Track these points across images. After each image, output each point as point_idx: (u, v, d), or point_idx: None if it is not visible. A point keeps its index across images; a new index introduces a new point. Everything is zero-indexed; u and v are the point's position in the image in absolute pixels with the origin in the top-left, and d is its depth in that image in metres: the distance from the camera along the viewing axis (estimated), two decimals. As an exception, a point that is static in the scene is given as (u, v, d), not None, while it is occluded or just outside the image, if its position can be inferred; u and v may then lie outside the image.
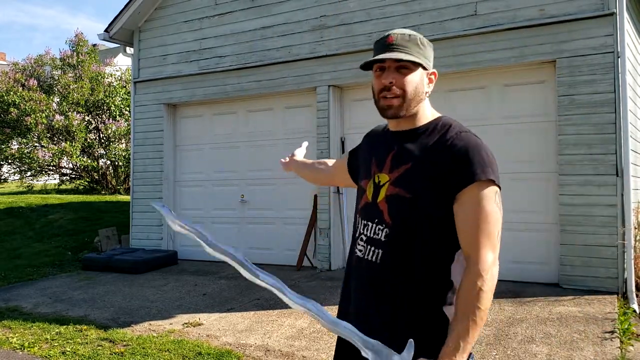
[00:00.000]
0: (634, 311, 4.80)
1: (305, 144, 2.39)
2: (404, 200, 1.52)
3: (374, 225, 1.58)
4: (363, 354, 1.36)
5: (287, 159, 2.29)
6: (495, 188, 1.47)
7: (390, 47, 1.55)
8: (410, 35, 1.57)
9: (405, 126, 1.62)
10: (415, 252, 1.51)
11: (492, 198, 1.45)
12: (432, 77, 1.62)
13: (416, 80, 1.56)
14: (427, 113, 1.62)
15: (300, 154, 2.28)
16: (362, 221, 1.63)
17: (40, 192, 15.18)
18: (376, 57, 1.57)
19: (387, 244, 1.54)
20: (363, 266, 1.59)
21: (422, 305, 1.50)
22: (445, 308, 1.50)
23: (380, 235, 1.56)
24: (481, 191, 1.45)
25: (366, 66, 1.62)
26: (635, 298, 5.04)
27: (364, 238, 1.60)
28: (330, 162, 2.13)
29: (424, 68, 1.58)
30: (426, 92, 1.60)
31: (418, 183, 1.52)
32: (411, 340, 1.32)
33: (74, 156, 13.67)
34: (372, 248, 1.57)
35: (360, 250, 1.61)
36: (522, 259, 5.79)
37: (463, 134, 1.52)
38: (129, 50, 8.70)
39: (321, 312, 1.42)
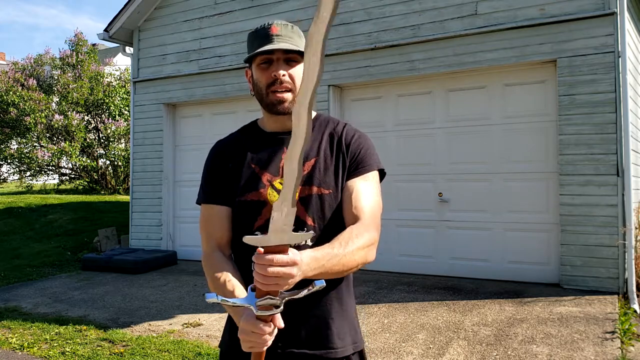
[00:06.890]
0: (635, 311, 4.80)
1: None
2: (323, 198, 1.46)
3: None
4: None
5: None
6: None
7: (276, 37, 1.46)
8: (292, 26, 1.50)
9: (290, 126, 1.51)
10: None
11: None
12: None
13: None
14: None
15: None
16: None
17: (39, 192, 15.18)
18: (265, 48, 1.45)
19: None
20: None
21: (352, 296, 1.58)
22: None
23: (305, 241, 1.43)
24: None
25: (248, 59, 1.52)
26: (636, 298, 5.03)
27: None
28: (220, 264, 1.49)
29: None
30: None
31: (330, 176, 1.48)
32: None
33: (74, 156, 13.65)
34: None
35: None
36: (522, 259, 5.79)
37: (348, 125, 1.57)
38: (129, 49, 8.68)
39: None
